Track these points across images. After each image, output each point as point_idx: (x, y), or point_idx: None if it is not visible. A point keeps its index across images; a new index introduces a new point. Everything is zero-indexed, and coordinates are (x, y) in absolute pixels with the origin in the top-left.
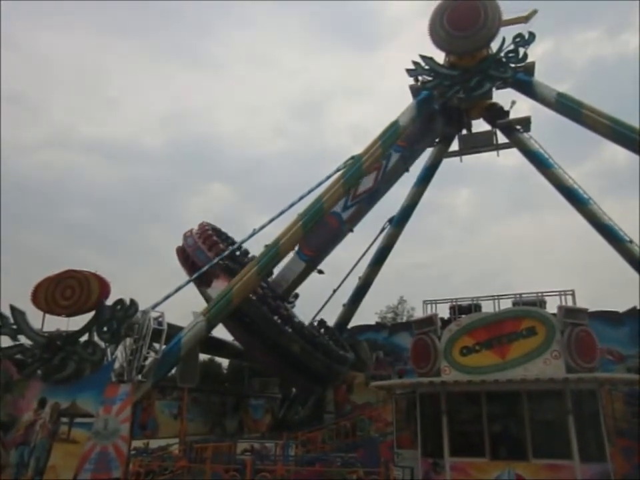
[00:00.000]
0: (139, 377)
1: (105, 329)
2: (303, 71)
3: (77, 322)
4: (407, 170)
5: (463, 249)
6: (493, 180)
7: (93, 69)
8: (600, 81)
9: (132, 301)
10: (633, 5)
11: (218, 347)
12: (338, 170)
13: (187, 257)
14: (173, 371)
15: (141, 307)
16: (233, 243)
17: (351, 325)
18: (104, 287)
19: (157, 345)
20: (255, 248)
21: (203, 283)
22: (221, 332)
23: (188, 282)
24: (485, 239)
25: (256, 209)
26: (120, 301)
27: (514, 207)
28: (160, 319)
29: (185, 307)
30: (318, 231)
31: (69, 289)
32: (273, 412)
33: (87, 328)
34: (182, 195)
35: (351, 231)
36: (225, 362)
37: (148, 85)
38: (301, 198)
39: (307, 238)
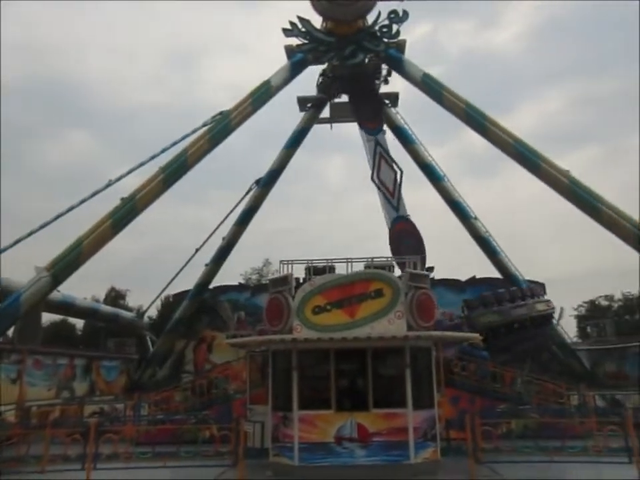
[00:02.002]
0: None
1: None
2: (181, 20)
3: None
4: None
5: (333, 215)
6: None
7: None
8: (467, 69)
9: None
10: (500, 5)
11: (67, 306)
12: (205, 125)
13: None
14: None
15: None
16: None
17: (213, 285)
18: None
19: None
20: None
21: None
22: (75, 289)
23: (29, 234)
24: (354, 206)
25: (124, 161)
26: None
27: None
28: None
29: None
30: (406, 242)
31: None
32: (129, 373)
33: None
34: (36, 140)
35: None
36: (79, 323)
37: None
38: (163, 150)
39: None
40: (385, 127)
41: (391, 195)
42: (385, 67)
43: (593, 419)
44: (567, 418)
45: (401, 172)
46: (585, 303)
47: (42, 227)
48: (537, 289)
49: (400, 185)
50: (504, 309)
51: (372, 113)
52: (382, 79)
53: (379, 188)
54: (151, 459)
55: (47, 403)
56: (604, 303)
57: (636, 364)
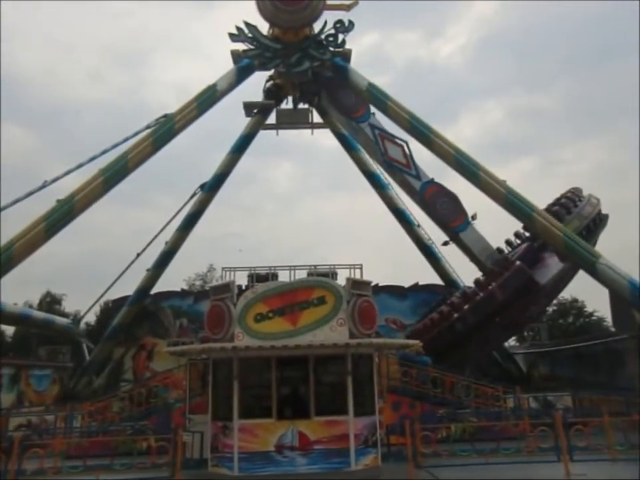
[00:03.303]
0: None
1: None
2: (128, 15)
3: None
4: None
5: (279, 222)
6: (315, 157)
7: None
8: (413, 79)
9: None
10: (445, 17)
11: None
12: (148, 127)
13: None
14: None
15: None
16: None
17: (155, 291)
18: None
19: None
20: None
21: None
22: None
23: None
24: (301, 213)
25: (61, 160)
26: None
27: (331, 185)
28: None
29: None
30: (442, 202)
31: None
32: (62, 382)
33: None
34: None
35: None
36: (9, 330)
37: None
38: (104, 152)
39: (444, 216)
40: (373, 109)
41: (407, 166)
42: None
43: (526, 421)
44: (503, 420)
45: (406, 143)
46: None
47: None
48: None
49: (411, 154)
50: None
51: (353, 101)
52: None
53: (391, 166)
54: (81, 472)
55: None
56: None
57: (566, 366)
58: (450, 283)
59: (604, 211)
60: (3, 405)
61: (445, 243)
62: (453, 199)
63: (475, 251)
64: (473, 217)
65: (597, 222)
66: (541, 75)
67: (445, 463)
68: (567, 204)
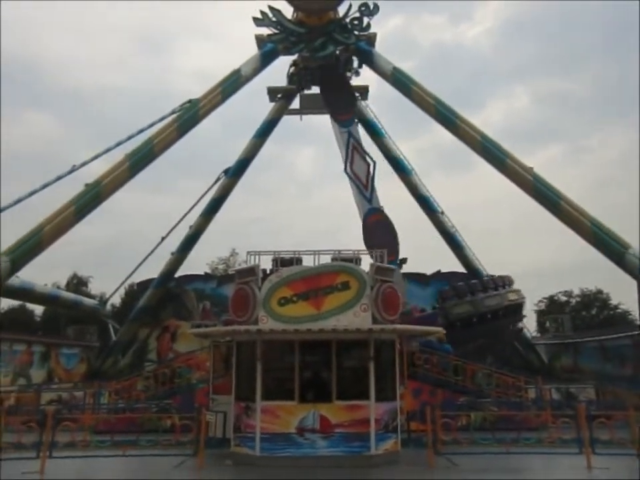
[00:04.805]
0: None
1: None
2: (152, 3)
3: None
4: None
5: (301, 207)
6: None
7: None
8: (438, 63)
9: None
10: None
11: (26, 292)
12: (173, 112)
13: None
14: None
15: None
16: None
17: (178, 274)
18: None
19: None
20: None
21: None
22: (36, 275)
23: None
24: (323, 199)
25: (88, 145)
26: None
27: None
28: None
29: None
30: (380, 234)
31: None
32: (89, 361)
33: None
34: None
35: None
36: (38, 309)
37: None
38: (130, 137)
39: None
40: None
41: (365, 186)
42: (355, 65)
43: (548, 412)
44: (524, 411)
45: (374, 163)
46: (545, 298)
47: (1, 210)
48: (509, 278)
49: (373, 176)
50: (476, 299)
51: (344, 104)
52: (353, 71)
53: (352, 180)
54: (109, 447)
55: (2, 389)
56: (563, 298)
57: (589, 358)
58: (473, 271)
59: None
60: (34, 381)
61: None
62: (392, 235)
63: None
64: (403, 261)
65: (500, 315)
66: (570, 59)
67: (464, 451)
68: (475, 285)
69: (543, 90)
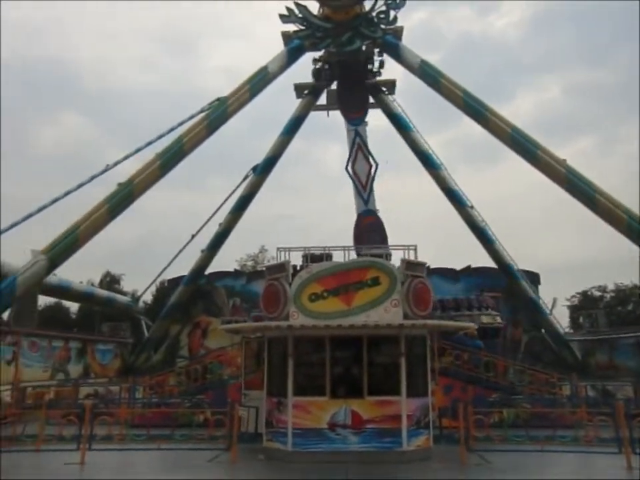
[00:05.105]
0: None
1: None
2: (177, 3)
3: None
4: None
5: (328, 203)
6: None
7: None
8: (465, 56)
9: None
10: None
11: (63, 290)
12: (202, 111)
13: None
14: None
15: None
16: None
17: (208, 271)
18: None
19: None
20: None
21: None
22: (70, 273)
23: (25, 218)
24: (350, 195)
25: (117, 145)
26: None
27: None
28: None
29: None
30: (371, 236)
31: None
32: (123, 357)
33: None
34: (31, 124)
35: None
36: (74, 306)
37: None
38: (160, 137)
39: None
40: (367, 119)
41: (363, 187)
42: (377, 58)
43: (584, 409)
44: (559, 408)
45: (376, 165)
46: (578, 293)
47: (39, 210)
48: (489, 301)
49: (373, 178)
50: (444, 315)
51: (357, 103)
52: (376, 68)
53: (351, 178)
54: (145, 441)
55: (42, 384)
56: (597, 293)
57: (626, 355)
58: (504, 266)
59: None
60: (72, 376)
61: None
62: (382, 238)
63: None
64: None
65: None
66: (600, 48)
67: (497, 448)
68: (448, 302)
69: (573, 80)
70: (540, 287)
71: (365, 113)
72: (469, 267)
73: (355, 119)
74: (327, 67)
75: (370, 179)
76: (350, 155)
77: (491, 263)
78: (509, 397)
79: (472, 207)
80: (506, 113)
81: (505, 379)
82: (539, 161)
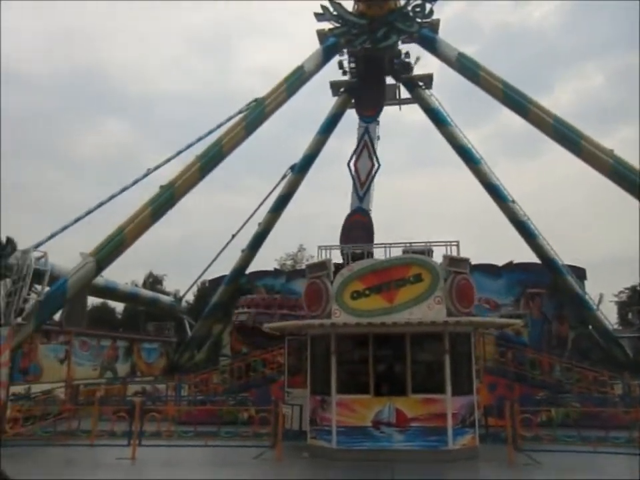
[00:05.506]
0: (19, 319)
1: None
2: (211, 4)
3: None
4: (378, 137)
5: None
6: (399, 135)
7: None
8: (503, 46)
9: (8, 239)
10: None
11: (110, 290)
12: (240, 112)
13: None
14: (59, 314)
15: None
16: None
17: (249, 271)
18: None
19: (40, 287)
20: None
21: None
22: (115, 275)
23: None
24: (384, 192)
25: (158, 149)
26: None
27: (416, 162)
28: (42, 259)
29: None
30: (357, 234)
31: None
32: (168, 355)
33: None
34: (74, 130)
35: None
36: (119, 307)
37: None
38: (199, 139)
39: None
40: (379, 118)
41: (361, 185)
42: (405, 60)
43: (638, 409)
44: (610, 407)
45: (378, 166)
46: (627, 288)
47: (87, 214)
48: None
49: (373, 178)
50: None
51: (373, 100)
52: (411, 65)
53: (351, 174)
54: (192, 437)
55: (93, 381)
56: None
57: None
58: (548, 261)
59: None
60: (119, 374)
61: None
62: (368, 238)
63: None
64: None
65: None
66: None
67: (546, 448)
68: None
69: (615, 67)
70: (586, 282)
71: (378, 112)
72: (511, 263)
73: (367, 116)
74: (352, 59)
75: (369, 177)
76: (355, 151)
77: (533, 258)
78: (557, 396)
79: (513, 202)
80: (545, 103)
81: (551, 377)
82: (583, 151)
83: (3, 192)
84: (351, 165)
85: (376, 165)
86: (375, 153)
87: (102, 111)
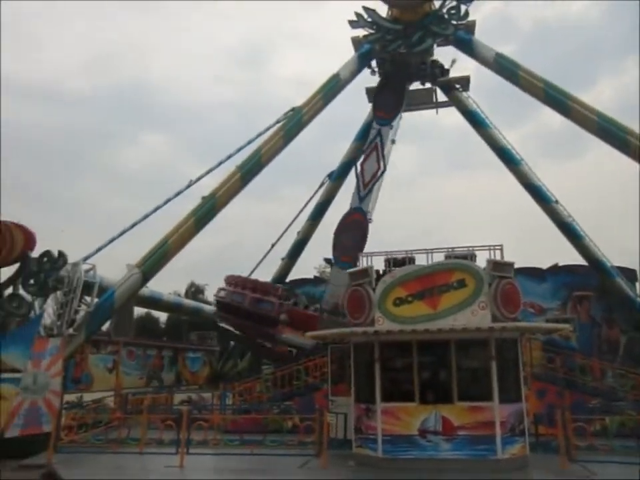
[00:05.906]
0: (70, 330)
1: (32, 281)
2: (243, 16)
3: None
4: (394, 141)
5: (401, 206)
6: (436, 138)
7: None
8: (541, 43)
9: (60, 252)
10: None
11: (155, 301)
12: (278, 122)
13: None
14: (107, 325)
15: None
16: None
17: (289, 279)
18: (28, 238)
19: (89, 299)
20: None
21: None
22: (158, 286)
23: (122, 233)
24: (423, 196)
25: (194, 161)
26: (47, 253)
27: (453, 166)
28: (91, 272)
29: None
30: (351, 233)
31: None
32: (211, 364)
33: (10, 280)
34: (115, 144)
35: (370, 220)
36: (163, 316)
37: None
38: (239, 149)
39: (342, 245)
40: (394, 123)
41: (364, 185)
42: (437, 64)
43: None
44: None
45: (384, 170)
46: None
47: (132, 226)
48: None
49: (376, 181)
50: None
51: (391, 104)
52: (443, 70)
53: (356, 174)
54: (238, 446)
55: (140, 390)
56: None
57: None
58: (595, 263)
59: None
60: (165, 383)
61: None
62: (361, 239)
63: (328, 288)
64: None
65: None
66: None
67: (602, 459)
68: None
69: None
70: (637, 283)
71: (394, 117)
72: (556, 265)
73: (382, 119)
74: (379, 60)
75: (373, 180)
76: (364, 151)
77: (579, 260)
78: (611, 403)
79: (556, 202)
80: (586, 99)
81: (604, 384)
82: (630, 147)
83: (53, 204)
84: (358, 164)
85: (382, 169)
86: (383, 156)
87: (143, 126)
